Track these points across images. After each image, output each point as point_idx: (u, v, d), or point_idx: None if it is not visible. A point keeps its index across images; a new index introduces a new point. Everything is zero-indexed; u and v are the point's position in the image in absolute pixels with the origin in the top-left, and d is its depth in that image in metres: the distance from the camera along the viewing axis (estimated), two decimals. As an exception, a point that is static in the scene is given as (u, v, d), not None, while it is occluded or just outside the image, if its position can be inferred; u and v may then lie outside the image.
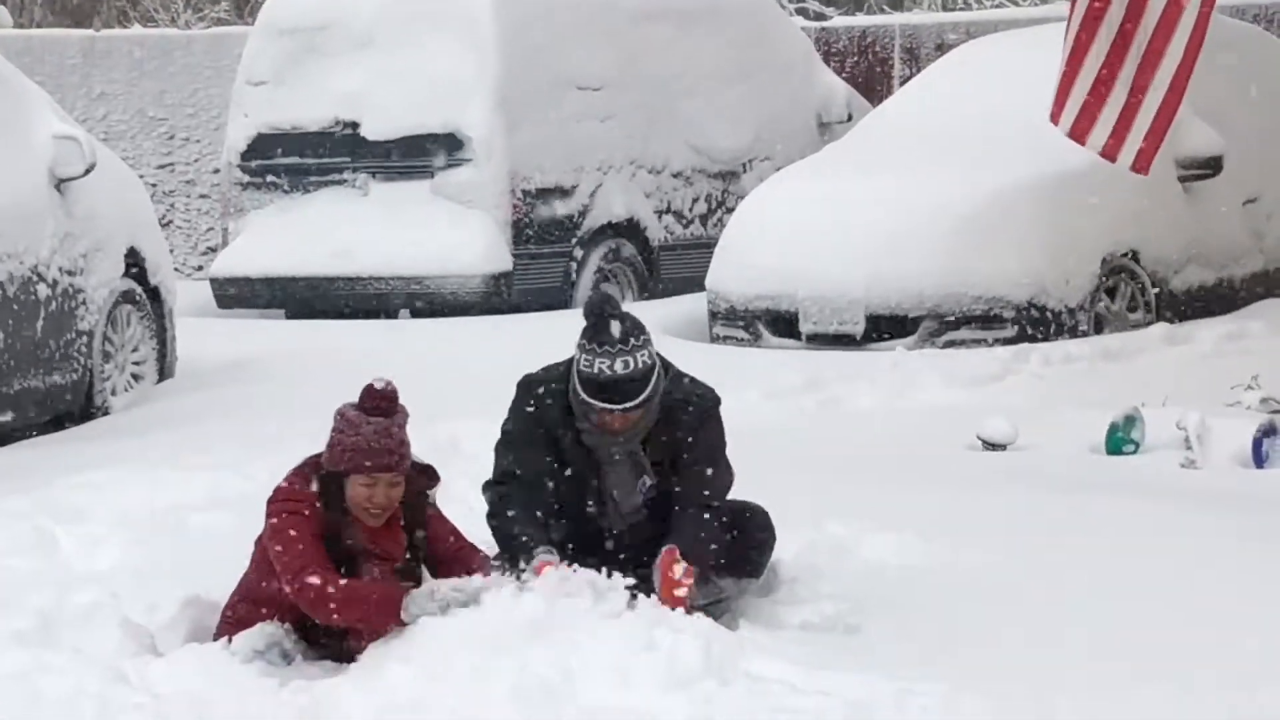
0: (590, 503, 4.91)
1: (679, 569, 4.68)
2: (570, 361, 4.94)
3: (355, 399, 4.79)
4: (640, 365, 4.65)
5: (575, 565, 4.60)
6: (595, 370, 4.66)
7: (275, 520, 4.76)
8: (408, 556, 4.93)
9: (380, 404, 4.70)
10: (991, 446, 7.71)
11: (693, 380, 4.98)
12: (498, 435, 5.10)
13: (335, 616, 4.68)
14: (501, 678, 4.34)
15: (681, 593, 4.67)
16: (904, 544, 5.80)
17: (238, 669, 4.71)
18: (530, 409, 4.91)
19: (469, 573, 4.82)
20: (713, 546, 4.88)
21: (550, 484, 4.90)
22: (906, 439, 7.84)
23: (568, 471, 4.91)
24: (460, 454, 6.68)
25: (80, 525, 6.03)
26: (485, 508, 5.03)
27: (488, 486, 4.97)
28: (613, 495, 4.91)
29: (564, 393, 4.88)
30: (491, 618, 4.51)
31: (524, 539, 4.76)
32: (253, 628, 4.81)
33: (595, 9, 12.65)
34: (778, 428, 7.85)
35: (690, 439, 4.90)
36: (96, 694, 4.48)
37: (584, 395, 4.75)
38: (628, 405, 4.70)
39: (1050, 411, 8.19)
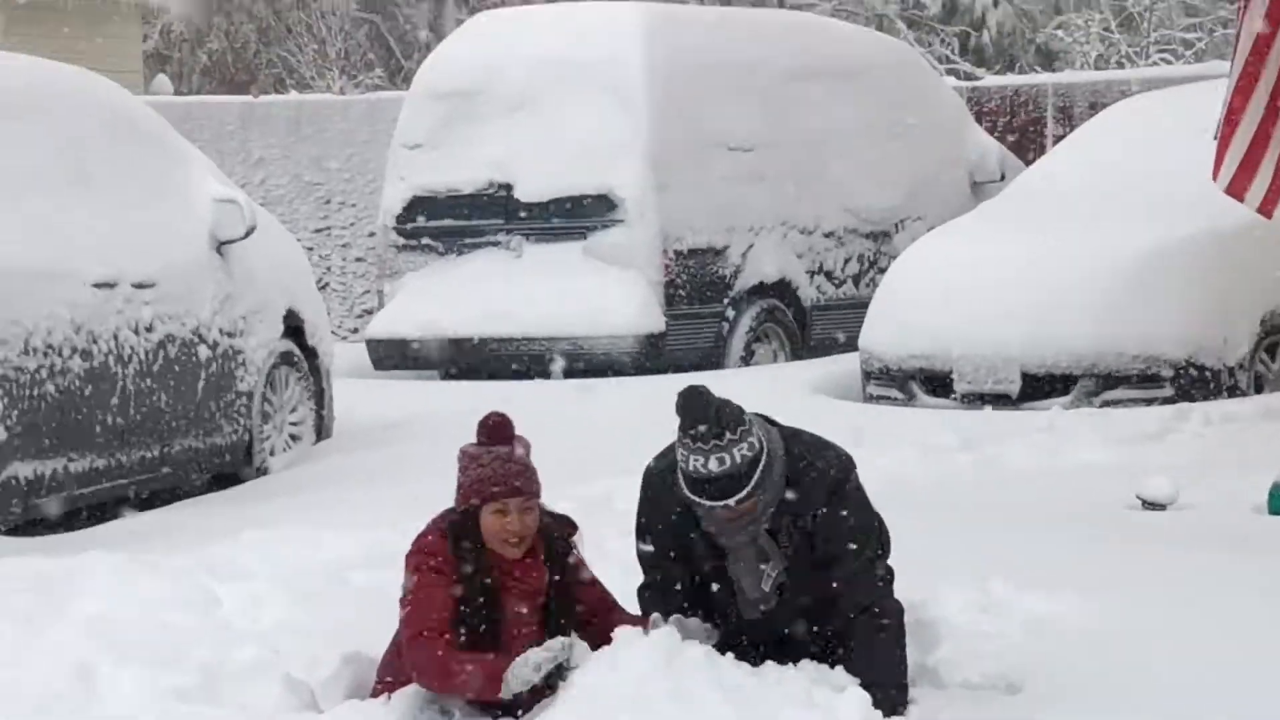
0: (718, 590, 4.75)
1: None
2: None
3: (486, 422, 4.84)
4: (738, 460, 4.38)
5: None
6: (691, 468, 4.46)
7: (407, 576, 4.77)
8: (551, 594, 4.94)
9: (497, 434, 4.72)
10: (1151, 506, 7.61)
11: (817, 449, 4.67)
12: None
13: (435, 686, 4.66)
14: None
15: None
16: (1064, 603, 5.72)
17: None
18: (650, 499, 4.79)
19: (608, 624, 4.76)
20: (900, 669, 4.54)
21: (681, 578, 4.72)
22: (1065, 498, 7.74)
23: (693, 559, 4.77)
24: (613, 510, 6.70)
25: (241, 583, 6.11)
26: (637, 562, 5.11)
27: (639, 591, 4.96)
28: (740, 583, 4.76)
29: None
30: (649, 676, 4.44)
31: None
32: (410, 685, 4.84)
33: (746, 69, 12.62)
34: (934, 486, 7.83)
35: (821, 518, 4.64)
36: None
37: (686, 492, 4.58)
38: (729, 502, 4.47)
39: (1211, 471, 8.08)
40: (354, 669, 5.09)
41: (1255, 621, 5.58)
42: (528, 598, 4.84)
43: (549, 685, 4.57)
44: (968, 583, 5.55)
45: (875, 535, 4.71)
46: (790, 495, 4.58)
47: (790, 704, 4.39)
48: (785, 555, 4.62)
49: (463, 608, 4.86)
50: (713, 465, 4.39)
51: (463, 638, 4.88)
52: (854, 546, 4.60)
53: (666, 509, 4.70)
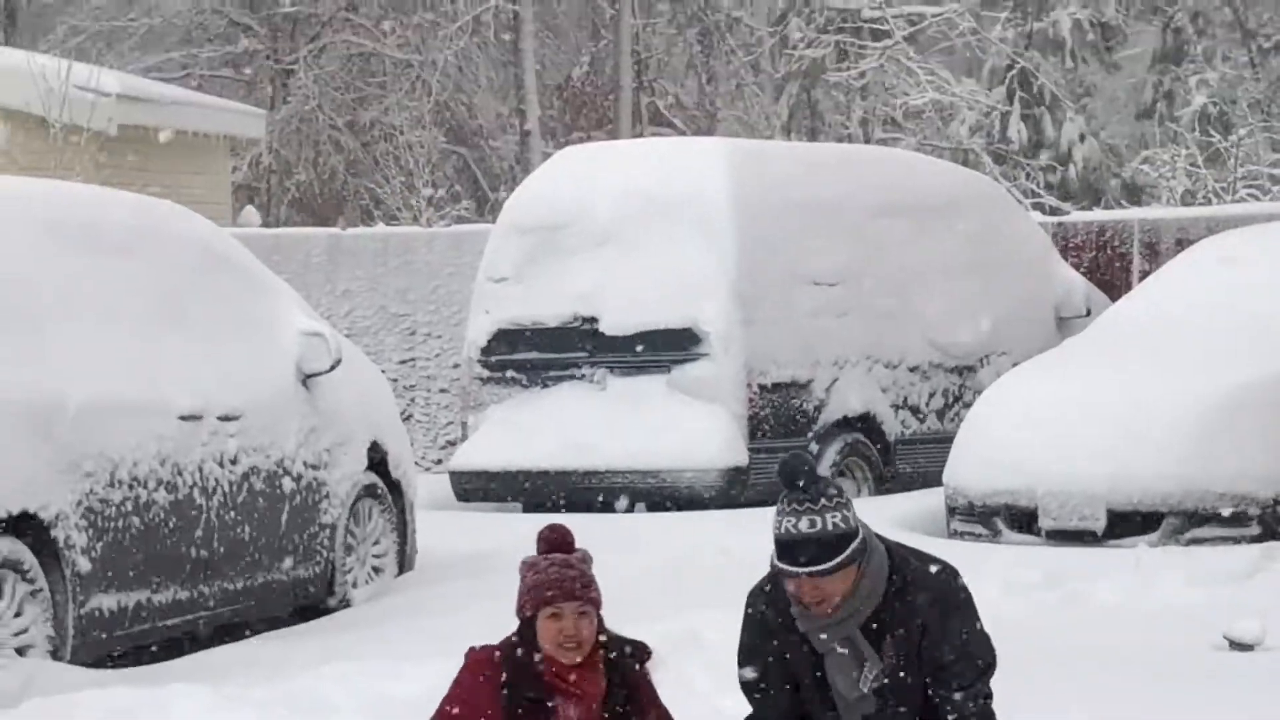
0: (813, 693, 4.65)
1: None
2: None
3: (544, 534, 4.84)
4: (829, 526, 4.33)
5: None
6: (783, 530, 4.41)
7: (451, 686, 4.90)
8: (610, 706, 4.82)
9: (554, 543, 4.71)
10: (1240, 647, 7.55)
11: (926, 558, 4.66)
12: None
13: None
14: None
15: None
16: None
17: None
18: (751, 615, 4.73)
19: None
20: None
21: (785, 703, 4.63)
22: (1151, 637, 7.71)
23: (792, 669, 4.67)
24: (701, 645, 6.71)
25: (324, 716, 6.13)
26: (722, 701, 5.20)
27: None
28: (836, 686, 4.65)
29: (776, 581, 4.67)
30: None
31: None
32: None
33: (831, 205, 12.64)
34: (1019, 623, 7.68)
35: (930, 625, 4.53)
36: None
37: (774, 561, 4.53)
38: (813, 569, 4.38)
39: None
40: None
41: None
42: (582, 705, 4.75)
43: None
44: (1052, 720, 5.82)
45: (985, 646, 4.51)
46: (899, 595, 4.47)
47: None
48: (888, 660, 4.49)
49: (512, 714, 4.72)
50: (804, 526, 4.34)
51: None
52: (965, 657, 4.43)
53: (769, 624, 4.64)
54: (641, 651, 4.93)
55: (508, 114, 26.45)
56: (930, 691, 4.56)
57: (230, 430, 8.76)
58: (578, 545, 4.89)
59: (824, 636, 4.55)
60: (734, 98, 25.81)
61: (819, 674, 4.62)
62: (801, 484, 4.47)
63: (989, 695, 4.55)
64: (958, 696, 4.48)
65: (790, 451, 4.53)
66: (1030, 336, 13.14)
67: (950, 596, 4.52)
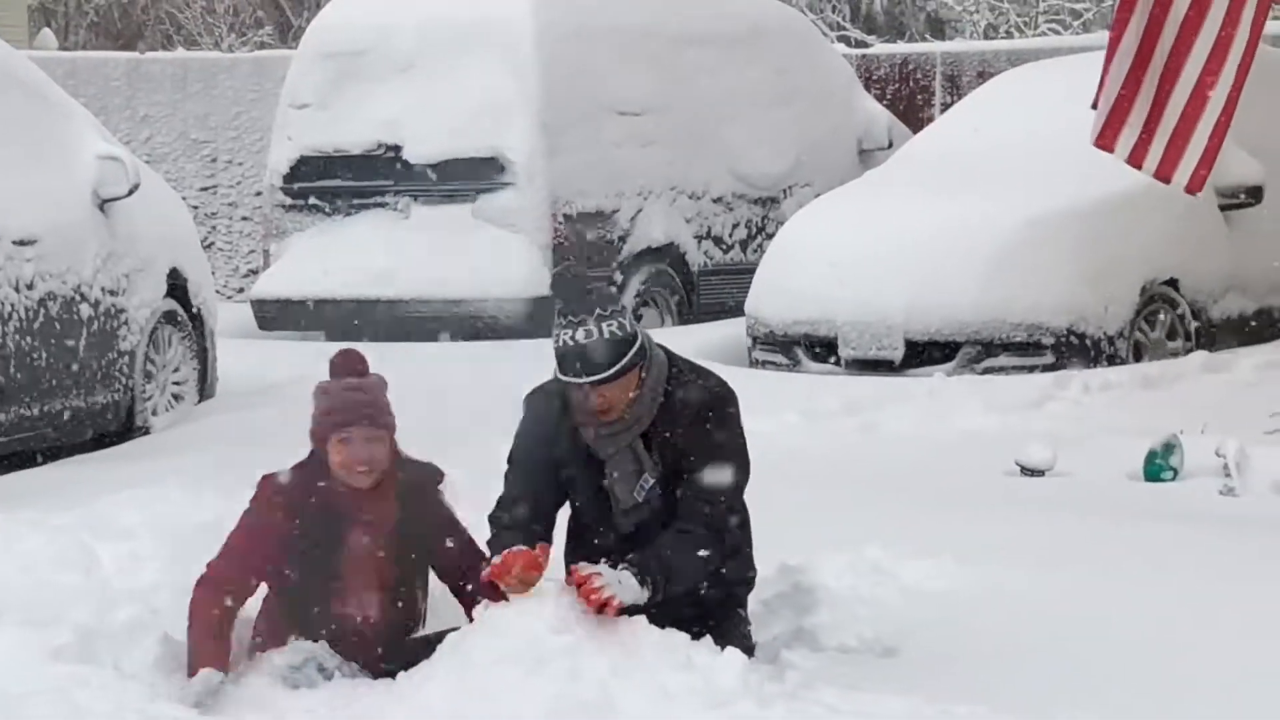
0: (592, 502, 4.73)
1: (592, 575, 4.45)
2: None
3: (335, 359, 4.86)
4: (604, 334, 4.39)
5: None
6: (560, 343, 4.50)
7: (245, 512, 4.84)
8: (401, 530, 4.94)
9: (345, 367, 4.75)
10: (1030, 472, 7.71)
11: (705, 373, 4.73)
12: None
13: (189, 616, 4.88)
14: (541, 695, 4.31)
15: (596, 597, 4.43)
16: (942, 568, 5.79)
17: (275, 687, 4.73)
18: (530, 417, 4.80)
19: (466, 571, 4.77)
20: (680, 579, 4.43)
21: (550, 496, 4.70)
22: (945, 464, 7.85)
23: (570, 473, 4.74)
24: (499, 472, 6.72)
25: (121, 542, 6.02)
26: None
27: (491, 516, 4.91)
28: (614, 493, 4.74)
29: (561, 393, 4.74)
30: (531, 635, 4.47)
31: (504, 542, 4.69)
32: (287, 645, 4.83)
33: (637, 34, 12.73)
34: (816, 451, 7.91)
35: (692, 434, 4.63)
36: (137, 710, 4.53)
37: (557, 374, 4.61)
38: (595, 378, 4.45)
39: (1089, 438, 8.21)
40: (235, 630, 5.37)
41: (1130, 584, 5.66)
42: (373, 530, 4.78)
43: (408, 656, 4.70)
44: (847, 548, 5.62)
45: (740, 461, 4.59)
46: (669, 404, 4.56)
47: (669, 667, 4.45)
48: (658, 467, 4.60)
49: (301, 538, 4.84)
50: (580, 336, 4.41)
51: (301, 571, 4.79)
52: (712, 473, 4.53)
53: (545, 426, 4.69)
54: (435, 475, 4.93)
55: None
56: (678, 495, 4.59)
57: (26, 255, 8.61)
58: (373, 371, 4.94)
59: (610, 448, 4.62)
60: None
61: (599, 486, 4.68)
62: (577, 304, 4.58)
63: (734, 510, 4.64)
64: (700, 505, 4.49)
65: (563, 267, 4.74)
66: (833, 168, 13.23)
67: (717, 409, 4.59)
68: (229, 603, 4.79)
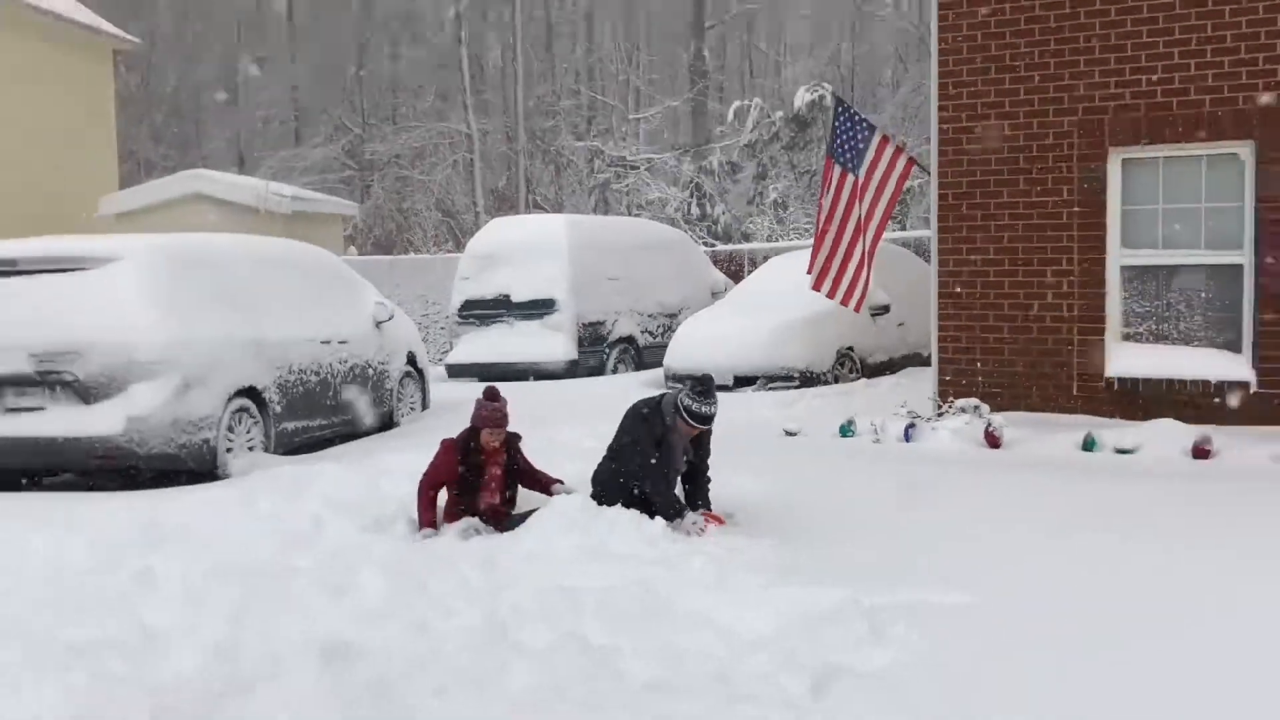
0: (666, 466, 6.11)
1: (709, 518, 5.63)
2: (659, 397, 6.18)
3: (482, 394, 5.98)
4: (717, 408, 5.94)
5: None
6: (703, 411, 6.08)
7: (437, 452, 5.92)
8: (507, 465, 6.18)
9: (489, 393, 6.06)
10: (790, 434, 9.32)
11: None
12: (612, 436, 6.41)
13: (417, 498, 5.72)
14: (570, 541, 5.71)
15: (713, 525, 5.78)
16: (749, 478, 7.29)
17: (455, 538, 6.23)
18: (644, 418, 6.18)
19: (543, 485, 6.46)
20: (709, 496, 5.95)
21: (650, 463, 5.96)
22: (751, 430, 9.40)
23: (660, 452, 6.06)
24: (557, 446, 8.23)
25: (389, 474, 7.40)
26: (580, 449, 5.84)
27: (619, 474, 6.31)
28: (675, 462, 6.13)
29: (658, 409, 6.03)
30: (567, 513, 6.03)
31: (656, 506, 5.92)
32: (459, 519, 6.31)
33: (614, 244, 15.69)
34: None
35: (703, 440, 6.19)
36: (394, 545, 5.81)
37: (694, 422, 5.96)
38: (708, 426, 6.00)
39: (816, 418, 9.82)
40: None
41: (836, 490, 7.19)
42: (497, 464, 6.22)
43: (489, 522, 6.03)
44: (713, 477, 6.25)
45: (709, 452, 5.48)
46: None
47: (631, 527, 5.88)
48: (687, 454, 5.87)
49: (464, 468, 6.19)
50: (714, 408, 6.01)
51: (463, 482, 6.24)
52: (709, 456, 6.13)
53: (653, 423, 6.14)
54: (518, 437, 6.30)
55: (470, 203, 32.45)
56: (694, 469, 6.07)
57: (344, 348, 10.23)
58: (502, 395, 6.23)
59: (675, 441, 6.05)
60: (569, 195, 31.12)
61: (666, 457, 6.00)
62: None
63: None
64: (706, 467, 6.14)
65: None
66: (699, 302, 16.24)
67: (709, 429, 6.03)
68: (432, 493, 5.93)
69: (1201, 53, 8.32)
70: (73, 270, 8.29)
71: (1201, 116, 8.28)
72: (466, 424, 6.66)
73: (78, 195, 19.02)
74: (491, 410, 6.51)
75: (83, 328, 8.06)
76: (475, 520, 6.31)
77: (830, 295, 10.61)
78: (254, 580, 5.17)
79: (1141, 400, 8.61)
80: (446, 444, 6.44)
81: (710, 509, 6.16)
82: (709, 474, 6.29)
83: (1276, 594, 4.68)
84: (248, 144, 36.62)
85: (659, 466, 6.05)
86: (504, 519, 6.32)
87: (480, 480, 6.40)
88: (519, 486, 6.50)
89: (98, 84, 19.59)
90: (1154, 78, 8.54)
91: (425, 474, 6.38)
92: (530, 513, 6.22)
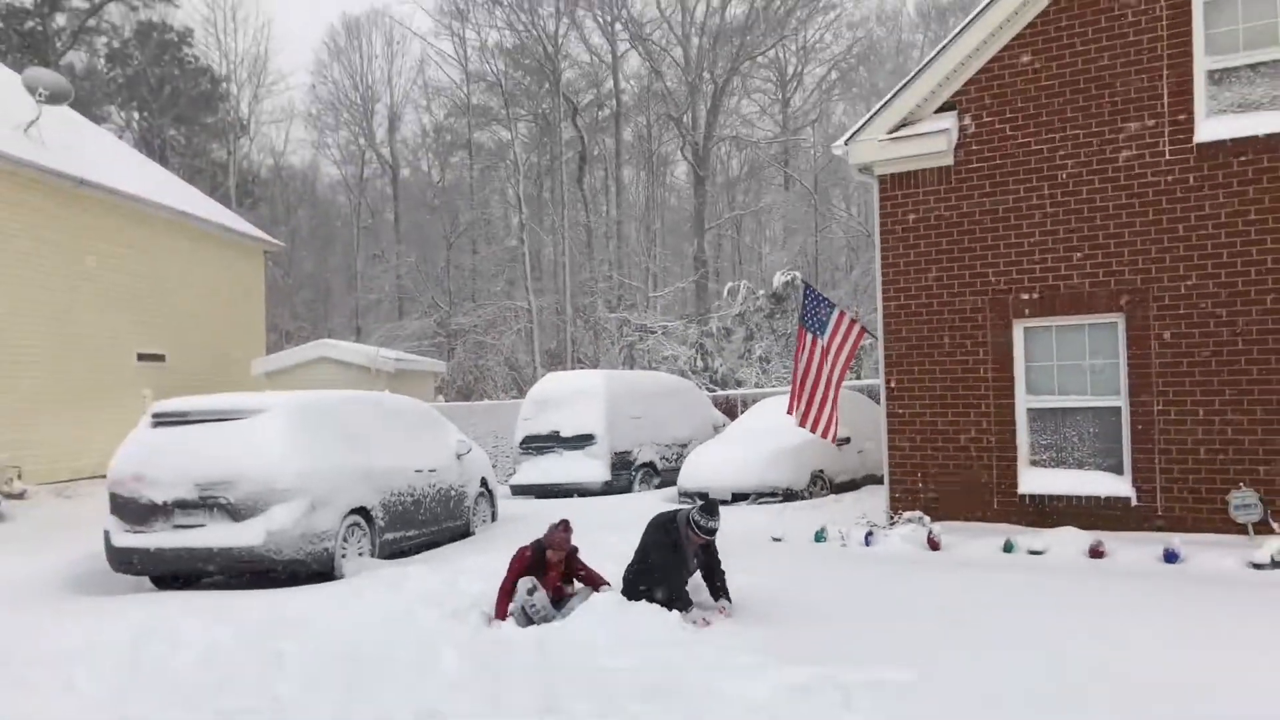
0: (680, 567, 5.81)
1: (724, 607, 5.50)
2: (675, 511, 6.03)
3: (556, 523, 6.02)
4: (720, 524, 5.79)
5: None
6: (708, 525, 5.86)
7: (512, 558, 5.88)
8: (564, 571, 6.10)
9: (561, 524, 6.02)
10: (775, 540, 9.00)
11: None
12: (638, 541, 6.15)
13: (497, 601, 5.66)
14: (608, 630, 5.66)
15: (718, 616, 5.40)
16: (750, 574, 7.08)
17: (522, 625, 5.84)
18: (662, 527, 5.97)
19: (590, 579, 6.25)
20: (726, 593, 5.81)
21: (667, 564, 5.75)
22: (748, 537, 9.09)
23: (675, 554, 5.82)
24: (598, 547, 8.02)
25: (468, 572, 7.29)
26: (608, 563, 6.07)
27: (644, 573, 5.90)
28: (688, 564, 5.85)
29: (673, 521, 5.83)
30: (606, 606, 6.00)
31: (671, 598, 5.71)
32: (519, 588, 5.86)
33: (640, 390, 15.67)
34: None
35: (710, 547, 5.96)
36: (470, 635, 5.68)
37: (700, 534, 5.80)
38: (712, 538, 5.90)
39: (798, 525, 9.65)
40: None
41: (814, 580, 6.89)
42: (556, 567, 6.17)
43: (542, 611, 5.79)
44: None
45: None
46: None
47: (653, 617, 5.70)
48: (699, 557, 5.68)
49: (533, 567, 6.27)
50: (715, 523, 5.76)
51: (531, 577, 6.10)
52: (719, 561, 5.94)
53: (670, 532, 5.85)
54: (576, 548, 6.23)
55: (530, 360, 32.21)
56: (709, 569, 5.78)
57: (433, 475, 10.16)
58: (563, 516, 6.46)
59: (687, 549, 5.79)
60: (604, 353, 30.90)
61: (680, 561, 5.77)
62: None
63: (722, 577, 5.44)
64: (719, 565, 5.89)
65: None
66: (705, 435, 16.09)
67: (714, 541, 5.75)
68: (510, 588, 5.92)
69: (1081, 248, 8.49)
70: (230, 420, 8.42)
71: (1082, 296, 8.40)
72: (527, 533, 6.26)
73: (236, 358, 19.68)
74: (561, 539, 6.47)
75: (235, 463, 8.14)
76: (533, 579, 6.38)
77: (812, 429, 10.70)
78: (362, 659, 5.14)
79: (1048, 512, 8.51)
80: (521, 553, 6.38)
81: (730, 599, 6.13)
82: (723, 569, 6.27)
83: (1172, 657, 4.82)
84: (363, 318, 37.83)
85: (674, 566, 5.99)
86: (562, 595, 6.48)
87: (543, 575, 6.56)
88: (573, 579, 6.57)
89: (252, 275, 20.23)
90: (1046, 267, 8.65)
91: (505, 578, 6.41)
92: (580, 590, 6.33)
